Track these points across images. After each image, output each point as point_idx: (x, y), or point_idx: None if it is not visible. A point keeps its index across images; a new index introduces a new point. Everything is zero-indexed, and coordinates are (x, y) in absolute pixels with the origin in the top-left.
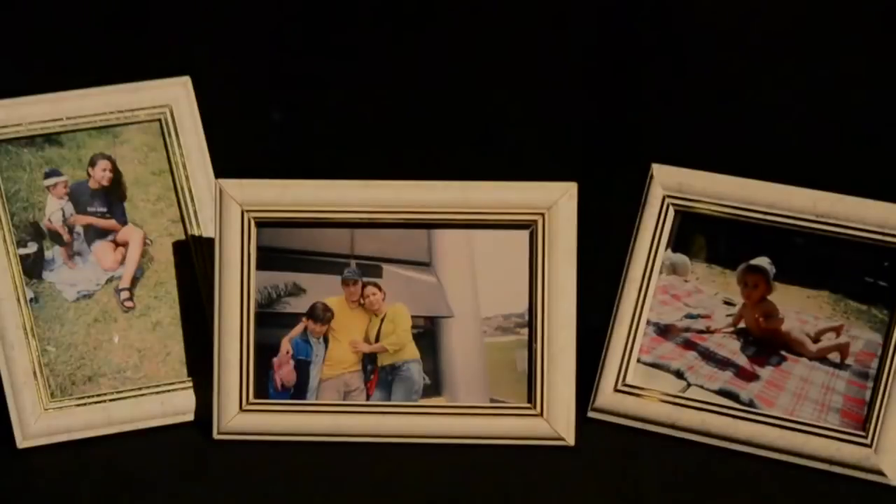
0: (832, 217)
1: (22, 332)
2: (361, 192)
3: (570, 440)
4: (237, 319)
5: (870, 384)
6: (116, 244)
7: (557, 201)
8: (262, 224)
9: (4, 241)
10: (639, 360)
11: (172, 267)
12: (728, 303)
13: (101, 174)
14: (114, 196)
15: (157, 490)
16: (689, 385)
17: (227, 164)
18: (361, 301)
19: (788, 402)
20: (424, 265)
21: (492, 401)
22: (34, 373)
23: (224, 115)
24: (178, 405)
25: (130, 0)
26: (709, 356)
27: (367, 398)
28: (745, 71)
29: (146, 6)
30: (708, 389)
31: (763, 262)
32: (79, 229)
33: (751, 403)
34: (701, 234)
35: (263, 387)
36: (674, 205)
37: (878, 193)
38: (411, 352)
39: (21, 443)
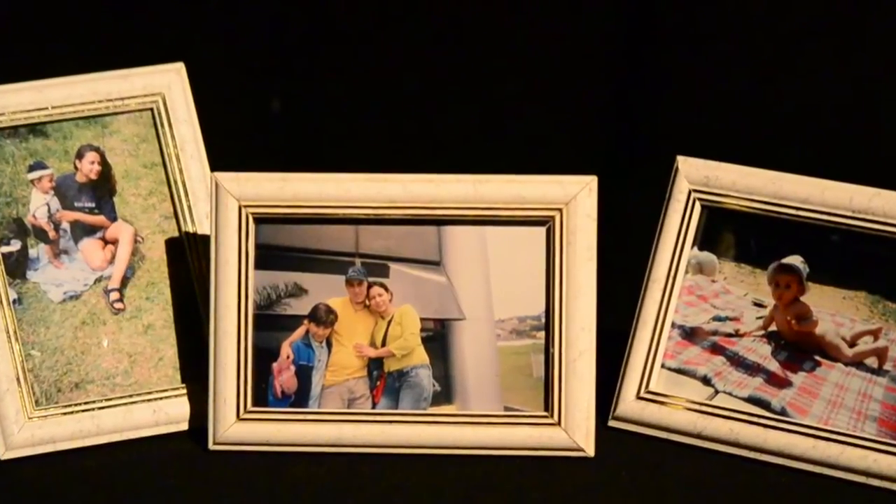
0: (869, 213)
1: (4, 336)
2: (367, 186)
3: (590, 451)
4: (234, 322)
5: None
6: (105, 242)
7: (576, 196)
8: (260, 220)
9: None
10: (663, 366)
11: (165, 266)
12: (758, 304)
13: (88, 167)
14: (102, 190)
15: None
16: (716, 392)
17: (224, 156)
18: (367, 302)
19: (822, 411)
20: (434, 264)
21: (506, 409)
22: (17, 379)
23: (220, 103)
24: (172, 413)
25: None
26: (738, 361)
27: (373, 406)
28: (776, 57)
29: None
30: (737, 397)
31: (795, 260)
32: (65, 226)
33: (782, 412)
34: (729, 231)
35: (262, 394)
36: (700, 200)
37: None
38: (420, 356)
39: (3, 454)
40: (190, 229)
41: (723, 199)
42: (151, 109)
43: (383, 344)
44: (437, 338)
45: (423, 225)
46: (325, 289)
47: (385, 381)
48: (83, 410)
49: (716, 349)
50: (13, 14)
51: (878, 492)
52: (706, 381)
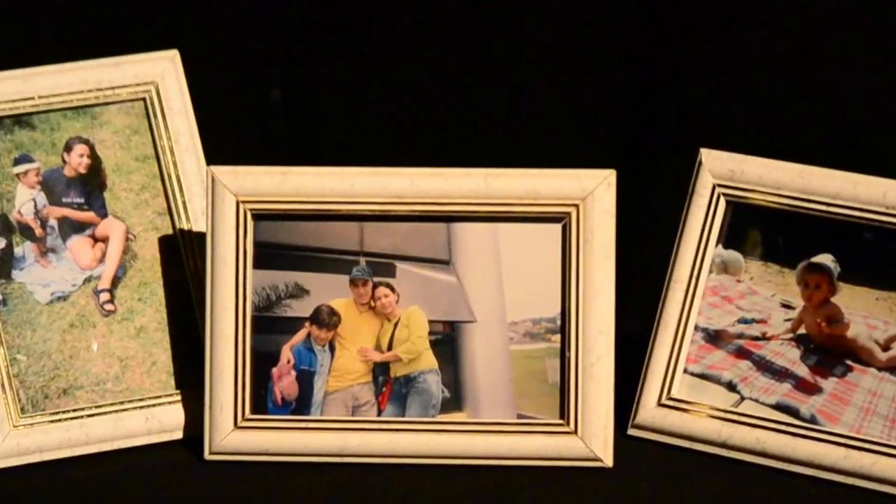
0: None
1: None
2: (371, 180)
3: (608, 461)
4: (232, 324)
5: None
6: (95, 239)
7: (594, 191)
8: (259, 217)
9: None
10: (685, 371)
11: (158, 265)
12: (786, 306)
13: (77, 160)
14: (92, 185)
15: None
16: (742, 398)
17: (221, 148)
18: (372, 304)
19: (854, 418)
20: (443, 263)
21: (519, 416)
22: (2, 385)
23: (217, 93)
24: (165, 421)
25: None
26: (765, 366)
27: (379, 413)
28: (804, 45)
29: None
30: (763, 404)
31: (826, 259)
32: (52, 223)
33: (812, 419)
34: (756, 228)
35: (261, 400)
36: (725, 195)
37: None
38: (428, 361)
39: None
40: (185, 226)
41: (749, 195)
42: (144, 99)
43: (389, 347)
44: (447, 341)
45: (431, 222)
46: (327, 289)
47: (391, 386)
48: (72, 418)
49: (741, 353)
50: None
51: None
52: (731, 386)
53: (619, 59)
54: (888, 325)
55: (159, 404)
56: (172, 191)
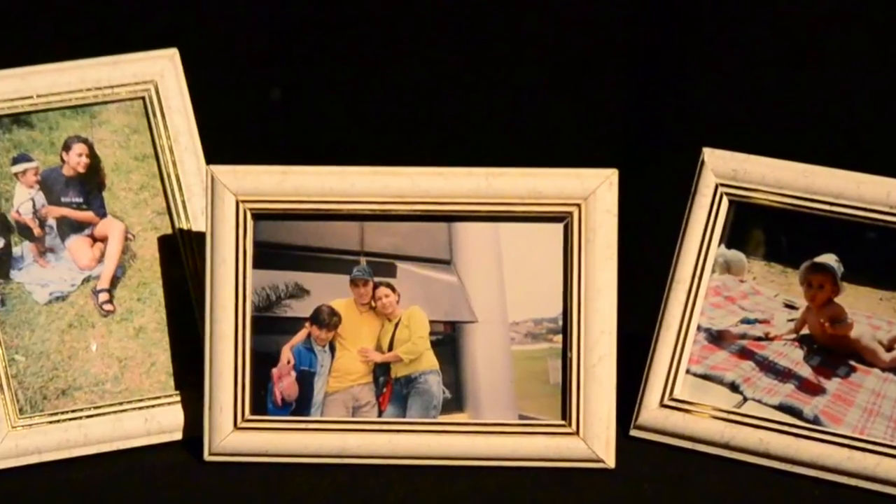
0: None
1: None
2: (372, 180)
3: (610, 462)
4: (231, 325)
5: None
6: (94, 239)
7: (596, 190)
8: (259, 216)
9: None
10: (688, 371)
11: (157, 265)
12: (790, 306)
13: (76, 160)
14: (91, 184)
15: None
16: (745, 399)
17: (220, 148)
18: (372, 304)
19: (858, 419)
20: (444, 263)
21: (520, 417)
22: (0, 386)
23: (216, 92)
24: (165, 422)
25: None
26: (767, 367)
27: (379, 414)
28: (806, 43)
29: None
30: (766, 404)
31: (829, 259)
32: (51, 222)
33: (815, 420)
34: (758, 228)
35: (261, 401)
36: (728, 194)
37: None
38: (429, 361)
39: None
40: (184, 226)
41: (752, 194)
42: (143, 98)
43: (390, 348)
44: (448, 341)
45: (432, 221)
46: (327, 289)
47: (392, 387)
48: (70, 419)
49: (744, 354)
50: None
51: None
52: (734, 387)
53: (621, 58)
54: (892, 325)
55: (158, 405)
56: (172, 190)
